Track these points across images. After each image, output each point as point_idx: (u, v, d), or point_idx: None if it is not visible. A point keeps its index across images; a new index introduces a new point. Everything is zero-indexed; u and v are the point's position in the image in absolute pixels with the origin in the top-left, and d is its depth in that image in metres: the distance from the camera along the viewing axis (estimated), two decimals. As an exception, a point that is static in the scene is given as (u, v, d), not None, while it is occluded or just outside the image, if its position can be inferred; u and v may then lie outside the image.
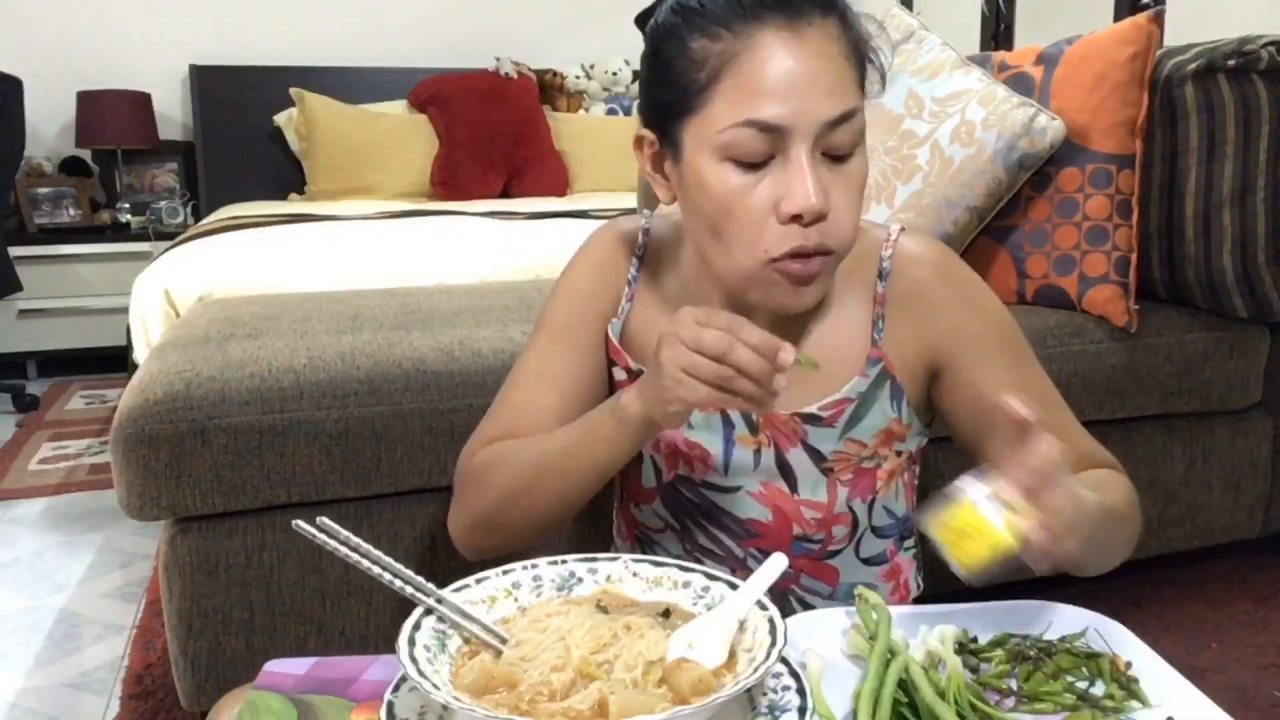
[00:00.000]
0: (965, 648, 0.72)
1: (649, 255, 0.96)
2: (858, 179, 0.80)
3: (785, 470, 0.91)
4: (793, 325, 0.89)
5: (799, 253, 0.78)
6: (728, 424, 0.91)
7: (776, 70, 0.74)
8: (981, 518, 0.62)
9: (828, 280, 0.83)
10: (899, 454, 0.93)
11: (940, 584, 1.48)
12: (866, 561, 0.95)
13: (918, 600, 1.02)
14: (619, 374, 0.96)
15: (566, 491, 0.86)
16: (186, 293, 1.88)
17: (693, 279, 0.91)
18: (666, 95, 0.80)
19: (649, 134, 0.85)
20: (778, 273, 0.79)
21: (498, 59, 4.00)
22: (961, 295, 0.89)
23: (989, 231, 1.57)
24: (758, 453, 0.91)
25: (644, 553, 1.02)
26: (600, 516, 1.08)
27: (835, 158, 0.78)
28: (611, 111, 4.24)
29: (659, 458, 0.95)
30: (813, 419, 0.89)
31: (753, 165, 0.77)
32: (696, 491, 0.94)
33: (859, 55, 0.79)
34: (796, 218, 0.76)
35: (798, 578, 0.94)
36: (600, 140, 3.99)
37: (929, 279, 0.88)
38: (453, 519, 0.93)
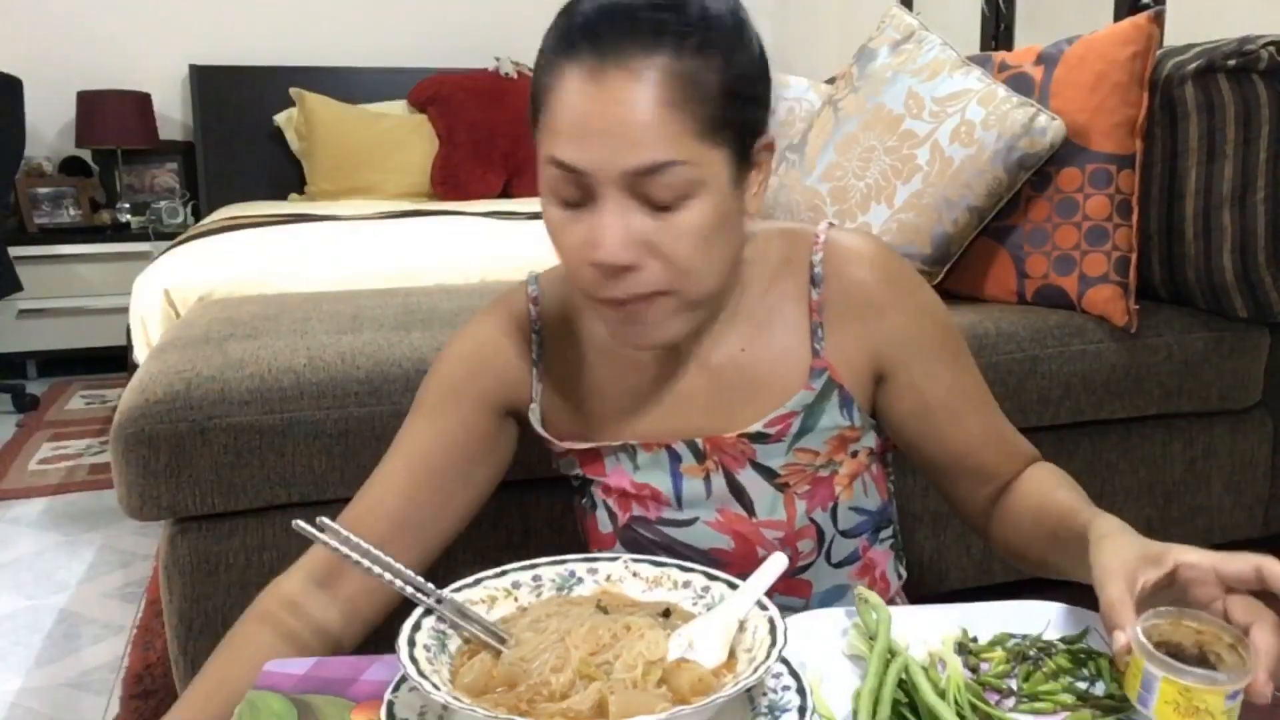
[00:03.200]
0: (965, 648, 0.72)
1: (548, 323, 0.91)
2: (691, 229, 0.72)
3: (739, 494, 0.88)
4: (725, 343, 0.87)
5: (611, 302, 0.74)
6: (674, 457, 0.88)
7: (573, 113, 0.71)
8: (1223, 704, 0.59)
9: (686, 318, 0.77)
10: (855, 455, 0.90)
11: (936, 582, 1.48)
12: (838, 565, 0.92)
13: (905, 588, 1.01)
14: (559, 448, 0.92)
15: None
16: (186, 293, 1.88)
17: None
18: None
19: None
20: (609, 310, 0.76)
21: (498, 59, 4.00)
22: (904, 296, 0.86)
23: (989, 231, 1.57)
24: (707, 480, 0.88)
25: None
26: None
27: (659, 207, 0.72)
28: (611, 111, 4.25)
29: (610, 502, 0.92)
30: (760, 437, 0.86)
31: (571, 201, 0.74)
32: (654, 530, 0.90)
33: (699, 96, 0.70)
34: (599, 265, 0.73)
35: (770, 596, 0.93)
36: (600, 140, 3.99)
37: (869, 280, 0.85)
38: None
